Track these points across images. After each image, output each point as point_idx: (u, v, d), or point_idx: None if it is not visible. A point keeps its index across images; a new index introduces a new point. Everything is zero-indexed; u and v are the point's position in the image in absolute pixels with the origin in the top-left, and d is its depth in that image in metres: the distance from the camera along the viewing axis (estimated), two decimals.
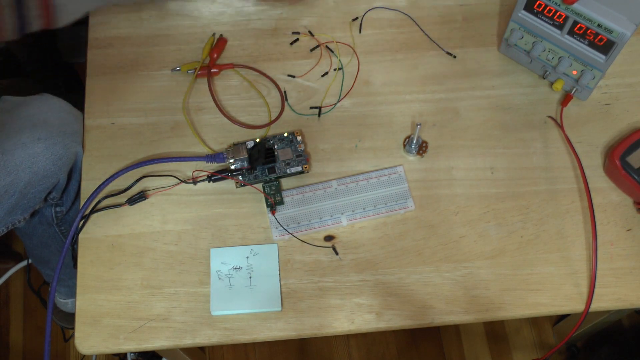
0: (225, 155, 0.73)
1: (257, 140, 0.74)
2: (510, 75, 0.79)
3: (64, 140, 0.75)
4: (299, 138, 0.74)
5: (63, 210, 0.88)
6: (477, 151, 0.75)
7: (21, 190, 0.73)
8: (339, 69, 0.80)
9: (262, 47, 0.82)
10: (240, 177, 0.72)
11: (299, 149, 0.74)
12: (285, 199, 0.72)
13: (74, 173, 0.81)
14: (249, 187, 0.72)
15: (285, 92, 0.78)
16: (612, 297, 0.67)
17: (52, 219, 0.89)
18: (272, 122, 0.76)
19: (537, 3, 0.70)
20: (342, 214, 0.71)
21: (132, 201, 0.72)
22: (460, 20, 0.83)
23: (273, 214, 0.71)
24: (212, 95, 0.77)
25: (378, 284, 0.68)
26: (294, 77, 0.79)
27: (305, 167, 0.72)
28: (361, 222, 0.71)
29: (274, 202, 0.71)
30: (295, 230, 0.70)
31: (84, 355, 1.15)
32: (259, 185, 0.72)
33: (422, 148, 0.74)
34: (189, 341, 0.66)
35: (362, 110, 0.77)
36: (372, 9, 0.84)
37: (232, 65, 0.79)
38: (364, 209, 0.72)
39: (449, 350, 1.36)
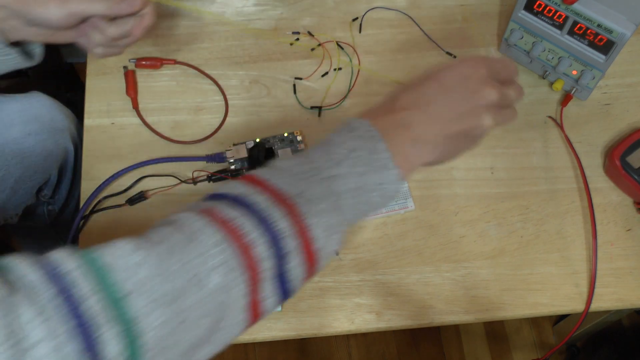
0: (225, 156, 0.73)
1: (257, 140, 0.74)
2: None
3: (54, 136, 0.75)
4: (299, 138, 0.74)
5: (55, 209, 0.88)
6: (477, 151, 0.75)
7: (12, 186, 0.73)
8: (339, 69, 0.80)
9: (262, 47, 0.82)
10: None
11: (299, 149, 0.74)
12: None
13: (65, 171, 0.81)
14: None
15: (294, 85, 0.78)
16: (612, 297, 0.67)
17: (45, 218, 0.89)
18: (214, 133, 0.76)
19: (537, 3, 0.70)
20: None
21: (132, 201, 0.72)
22: (460, 20, 0.83)
23: None
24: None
25: (378, 284, 0.68)
26: (300, 79, 0.79)
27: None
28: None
29: None
30: None
31: None
32: None
33: None
34: None
35: (362, 110, 0.77)
36: (372, 9, 0.84)
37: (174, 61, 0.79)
38: None
39: (449, 350, 1.37)
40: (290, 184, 0.47)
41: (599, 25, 0.66)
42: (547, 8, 0.69)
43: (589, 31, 0.67)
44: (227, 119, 0.77)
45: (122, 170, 0.73)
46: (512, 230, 0.71)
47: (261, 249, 0.45)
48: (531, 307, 0.67)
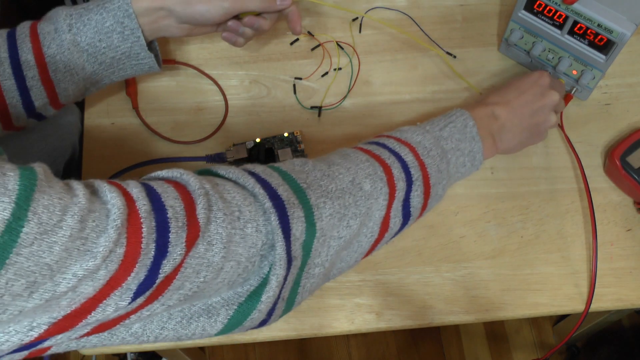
0: (225, 156, 0.73)
1: (257, 140, 0.74)
2: (510, 75, 0.79)
3: (58, 131, 0.75)
4: (299, 138, 0.74)
5: None
6: None
7: None
8: (339, 69, 0.80)
9: (262, 47, 0.82)
10: None
11: (299, 149, 0.74)
12: None
13: (71, 168, 0.81)
14: None
15: (294, 85, 0.78)
16: (612, 297, 0.67)
17: None
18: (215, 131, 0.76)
19: (537, 3, 0.69)
20: None
21: None
22: (460, 20, 0.83)
23: None
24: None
25: (378, 284, 0.68)
26: (300, 79, 0.79)
27: (311, 159, 0.72)
28: None
29: None
30: None
31: (84, 355, 1.15)
32: None
33: None
34: (188, 341, 0.66)
35: (362, 110, 0.77)
36: (372, 9, 0.84)
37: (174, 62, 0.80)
38: None
39: (449, 350, 1.37)
40: (408, 137, 0.60)
41: (599, 25, 0.66)
42: (547, 8, 0.69)
43: (589, 31, 0.67)
44: (227, 119, 0.77)
45: (122, 170, 0.73)
46: (512, 230, 0.71)
47: (397, 172, 0.57)
48: (531, 307, 0.67)
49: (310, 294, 0.54)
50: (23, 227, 0.36)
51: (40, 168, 0.39)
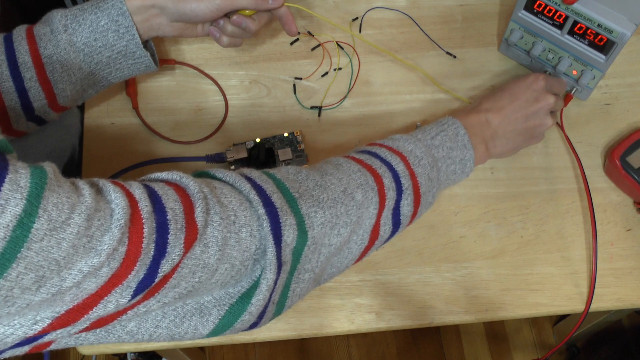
0: (225, 156, 0.73)
1: (257, 140, 0.74)
2: (511, 75, 0.79)
3: (58, 132, 0.75)
4: (299, 138, 0.74)
5: None
6: None
7: None
8: (339, 69, 0.80)
9: (262, 47, 0.82)
10: None
11: (298, 149, 0.74)
12: None
13: (71, 169, 0.81)
14: None
15: (294, 85, 0.78)
16: (612, 297, 0.67)
17: None
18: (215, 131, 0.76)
19: (537, 3, 0.70)
20: None
21: None
22: (460, 20, 0.83)
23: None
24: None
25: (378, 284, 0.68)
26: (300, 79, 0.79)
27: (305, 167, 0.72)
28: None
29: None
30: None
31: (84, 355, 1.15)
32: None
33: None
34: (188, 341, 0.66)
35: (362, 110, 0.77)
36: (372, 9, 0.84)
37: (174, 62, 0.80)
38: None
39: (449, 350, 1.37)
40: (400, 145, 0.61)
41: (599, 25, 0.66)
42: (547, 8, 0.69)
43: (589, 31, 0.67)
44: (227, 119, 0.77)
45: (122, 170, 0.73)
46: (512, 230, 0.71)
47: (387, 181, 0.57)
48: (531, 307, 0.67)
49: (300, 298, 0.55)
50: (34, 223, 0.37)
51: (49, 167, 0.40)
